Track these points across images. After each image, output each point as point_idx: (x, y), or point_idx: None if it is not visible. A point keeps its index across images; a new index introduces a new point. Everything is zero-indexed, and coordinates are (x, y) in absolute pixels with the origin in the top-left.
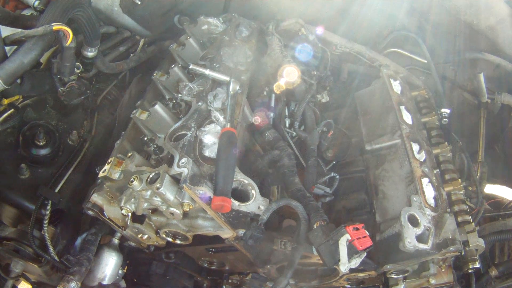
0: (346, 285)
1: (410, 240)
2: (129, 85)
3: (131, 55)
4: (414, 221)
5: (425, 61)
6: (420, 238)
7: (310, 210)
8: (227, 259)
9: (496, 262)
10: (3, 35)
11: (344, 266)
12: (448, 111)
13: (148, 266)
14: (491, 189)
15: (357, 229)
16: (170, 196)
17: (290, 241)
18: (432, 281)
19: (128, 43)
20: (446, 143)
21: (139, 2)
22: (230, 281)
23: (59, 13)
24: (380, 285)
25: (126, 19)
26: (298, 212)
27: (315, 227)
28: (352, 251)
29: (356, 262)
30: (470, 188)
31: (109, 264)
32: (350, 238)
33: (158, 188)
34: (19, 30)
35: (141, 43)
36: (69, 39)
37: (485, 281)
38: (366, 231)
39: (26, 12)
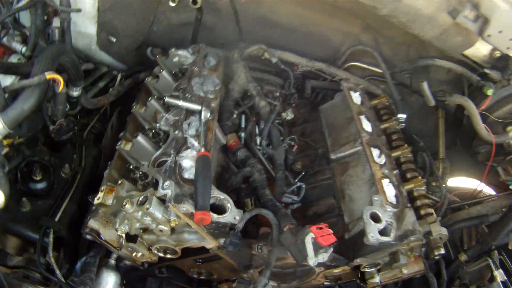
0: (325, 282)
1: (373, 234)
2: (111, 118)
3: (110, 89)
4: (376, 218)
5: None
6: (383, 232)
7: (280, 217)
8: (214, 268)
9: (465, 248)
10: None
11: (312, 260)
12: (404, 116)
13: (143, 283)
14: (455, 181)
15: (321, 228)
16: (159, 214)
17: (265, 245)
18: (405, 271)
19: (106, 78)
20: (405, 145)
21: (114, 40)
22: None
23: (49, 62)
24: (357, 279)
25: (103, 56)
26: (269, 219)
27: (285, 230)
28: (318, 247)
29: (323, 256)
30: (433, 183)
31: (109, 283)
32: (314, 236)
33: (148, 209)
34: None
35: (118, 78)
36: (61, 86)
37: (456, 266)
38: (330, 230)
39: (14, 57)
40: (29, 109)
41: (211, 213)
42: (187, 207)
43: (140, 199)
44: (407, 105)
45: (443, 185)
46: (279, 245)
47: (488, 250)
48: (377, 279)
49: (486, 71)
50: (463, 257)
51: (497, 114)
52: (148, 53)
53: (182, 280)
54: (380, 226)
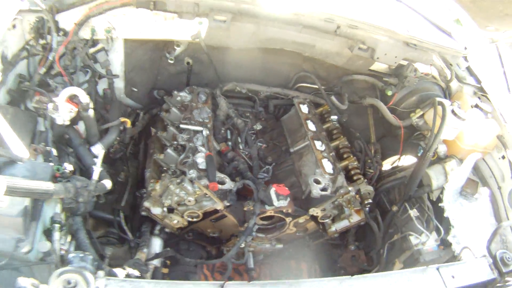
0: (297, 233)
1: (315, 191)
2: (139, 142)
3: (136, 123)
4: (317, 181)
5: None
6: (323, 189)
7: (257, 185)
8: (223, 225)
9: (396, 201)
10: None
11: (276, 202)
12: (335, 117)
13: (177, 245)
14: (388, 161)
15: (279, 186)
16: (189, 188)
17: (251, 203)
18: (352, 220)
19: (132, 115)
20: (342, 136)
21: (136, 90)
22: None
23: (117, 111)
24: (320, 229)
25: (128, 101)
26: (251, 186)
27: (260, 190)
28: (278, 196)
29: (283, 202)
30: (369, 161)
31: (156, 245)
32: (275, 189)
33: (183, 184)
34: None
35: (141, 115)
36: (128, 124)
37: (390, 215)
38: (286, 188)
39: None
40: (114, 139)
41: (218, 184)
42: (205, 181)
43: (178, 180)
44: (347, 108)
45: (375, 161)
46: (259, 201)
47: (408, 199)
48: (333, 228)
49: (385, 78)
50: (394, 208)
51: (403, 106)
52: (155, 94)
53: (202, 240)
54: (320, 186)
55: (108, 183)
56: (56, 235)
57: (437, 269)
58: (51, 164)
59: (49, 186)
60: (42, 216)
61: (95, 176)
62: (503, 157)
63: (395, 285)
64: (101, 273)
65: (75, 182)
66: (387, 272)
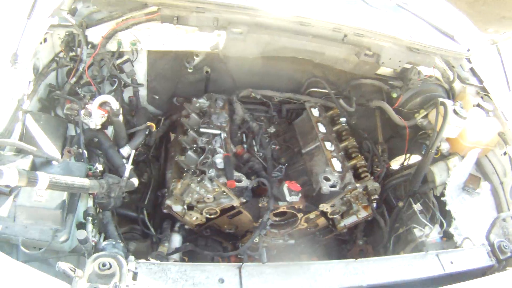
0: (308, 228)
1: (325, 187)
2: (160, 146)
3: (158, 128)
4: (327, 178)
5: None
6: (332, 186)
7: (271, 182)
8: (239, 221)
9: (403, 198)
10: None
11: (288, 197)
12: (344, 119)
13: (196, 241)
14: (396, 160)
15: (291, 182)
16: (209, 185)
17: (265, 199)
18: (360, 216)
19: (154, 121)
20: (351, 137)
21: (157, 97)
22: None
23: (143, 117)
24: (330, 225)
25: (150, 107)
26: (266, 183)
27: (274, 186)
28: (290, 191)
29: (295, 198)
30: (377, 160)
31: (177, 241)
32: (287, 185)
33: (203, 181)
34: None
35: (162, 120)
36: (154, 128)
37: (396, 211)
38: (297, 184)
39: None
40: (140, 142)
41: (235, 182)
42: (223, 179)
43: (198, 179)
44: (355, 111)
45: (383, 160)
46: (272, 197)
47: (412, 194)
48: (342, 224)
49: (390, 82)
50: (400, 204)
51: (408, 107)
52: (174, 101)
53: (219, 236)
54: (330, 183)
55: (135, 181)
56: (89, 226)
57: (437, 255)
58: (84, 163)
59: (86, 181)
60: (77, 210)
61: (127, 173)
62: (505, 153)
63: (397, 268)
64: (132, 257)
65: (107, 179)
66: (389, 256)
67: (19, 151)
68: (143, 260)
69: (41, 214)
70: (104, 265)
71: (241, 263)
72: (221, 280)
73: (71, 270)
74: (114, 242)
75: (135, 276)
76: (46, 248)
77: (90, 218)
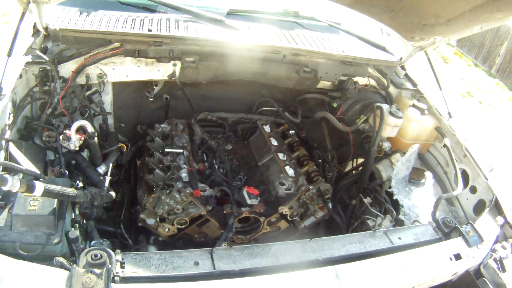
0: (271, 231)
1: (281, 191)
2: (129, 169)
3: (126, 152)
4: (282, 183)
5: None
6: (287, 189)
7: (233, 190)
8: (208, 229)
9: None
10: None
11: (248, 201)
12: (293, 132)
13: None
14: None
15: (250, 187)
16: (177, 196)
17: (229, 206)
18: (317, 216)
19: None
20: (301, 147)
21: (123, 125)
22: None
23: (114, 140)
24: (291, 227)
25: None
26: (227, 190)
27: (235, 193)
28: (250, 195)
29: (254, 200)
30: (327, 166)
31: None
32: (246, 190)
33: (172, 193)
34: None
35: (129, 146)
36: (125, 149)
37: (351, 208)
38: (255, 189)
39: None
40: (114, 160)
41: (200, 191)
42: (189, 189)
43: (168, 191)
44: (304, 124)
45: (333, 165)
46: (234, 203)
47: (362, 191)
48: (302, 225)
49: (330, 93)
50: (353, 202)
51: (349, 115)
52: (138, 129)
53: (191, 245)
54: (285, 186)
55: (113, 194)
56: (77, 233)
57: (385, 233)
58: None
59: (74, 191)
60: (66, 218)
61: (107, 183)
62: (444, 146)
63: (348, 245)
64: (118, 250)
65: (90, 190)
66: (340, 235)
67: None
68: (128, 252)
69: (35, 221)
70: (96, 255)
71: (212, 248)
72: (196, 263)
73: (67, 262)
74: (101, 241)
75: (122, 265)
76: (41, 250)
77: (77, 225)
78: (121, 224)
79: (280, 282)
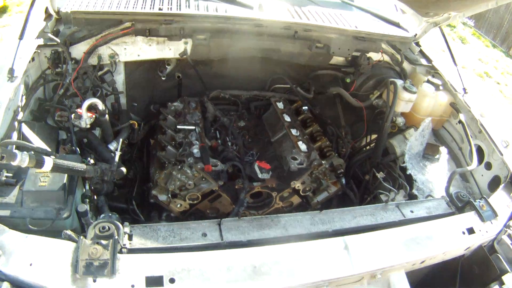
0: (283, 206)
1: (293, 165)
2: (142, 146)
3: (139, 131)
4: (294, 158)
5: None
6: (300, 164)
7: (244, 164)
8: (220, 204)
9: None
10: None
11: (260, 175)
12: (306, 108)
13: None
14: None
15: (261, 162)
16: (189, 171)
17: (241, 180)
18: (330, 191)
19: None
20: (315, 124)
21: (136, 104)
22: None
23: (126, 117)
24: (304, 202)
25: (131, 115)
26: (238, 165)
27: (246, 168)
28: (261, 169)
29: (266, 175)
30: (341, 142)
31: None
32: (258, 164)
33: (184, 168)
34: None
35: (142, 125)
36: (136, 126)
37: (365, 183)
38: (267, 163)
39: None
40: (125, 137)
41: (211, 166)
42: (201, 165)
43: (179, 167)
44: (317, 101)
45: (345, 139)
46: (246, 178)
47: (375, 166)
48: (315, 200)
49: (343, 69)
50: (367, 177)
51: (363, 90)
52: (152, 108)
53: None
54: (297, 161)
55: (124, 170)
56: (88, 207)
57: (397, 205)
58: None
59: (83, 166)
60: (76, 193)
61: (117, 158)
62: (460, 122)
63: (359, 218)
64: (126, 222)
65: (100, 165)
66: (352, 207)
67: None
68: (135, 224)
69: (45, 196)
70: (103, 227)
71: (220, 219)
72: (204, 234)
73: (75, 234)
74: (110, 214)
75: (130, 237)
76: (50, 224)
77: (87, 200)
78: (133, 201)
79: (288, 252)
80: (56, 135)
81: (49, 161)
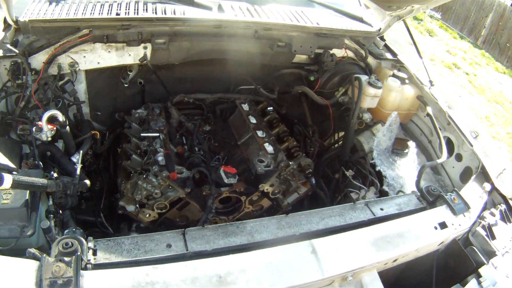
0: (253, 210)
1: (260, 168)
2: (107, 156)
3: (104, 141)
4: (261, 160)
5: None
6: (267, 166)
7: (210, 170)
8: (188, 212)
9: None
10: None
11: (226, 180)
12: (271, 108)
13: None
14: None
15: (227, 166)
16: (154, 180)
17: (208, 186)
18: (300, 192)
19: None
20: (281, 124)
21: (99, 113)
22: None
23: (87, 127)
24: (274, 205)
25: (95, 124)
26: (204, 171)
27: (212, 173)
28: (227, 174)
29: (233, 180)
30: (309, 141)
31: None
32: (223, 169)
33: (148, 177)
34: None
35: (107, 134)
36: (98, 136)
37: (335, 182)
38: (234, 168)
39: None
40: (88, 148)
41: (176, 174)
42: (166, 173)
43: (144, 175)
44: (283, 100)
45: (313, 138)
46: (213, 183)
47: (344, 164)
48: (286, 202)
49: (306, 67)
50: (336, 175)
51: (328, 87)
52: (116, 116)
53: None
54: (264, 164)
55: (87, 182)
56: (52, 223)
57: (366, 204)
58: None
59: (44, 181)
60: (39, 209)
61: (78, 171)
62: (428, 115)
63: (327, 219)
64: (90, 237)
65: (62, 179)
66: (319, 209)
67: None
68: (99, 239)
69: (8, 214)
70: (67, 244)
71: (184, 229)
72: (169, 245)
73: (38, 253)
74: (74, 229)
75: (94, 252)
76: (15, 243)
77: (51, 216)
78: (100, 213)
79: (254, 259)
80: (19, 149)
81: (8, 178)
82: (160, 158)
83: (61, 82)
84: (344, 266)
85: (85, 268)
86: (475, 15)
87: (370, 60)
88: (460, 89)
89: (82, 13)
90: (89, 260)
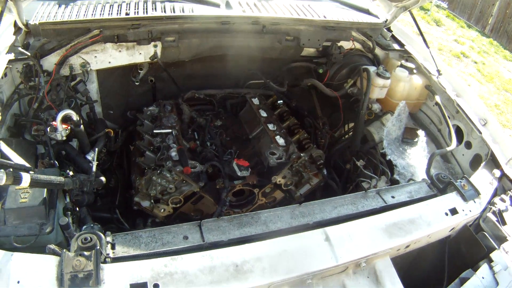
0: (266, 202)
1: (272, 161)
2: (121, 154)
3: (117, 139)
4: (272, 153)
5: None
6: (279, 158)
7: (223, 164)
8: (203, 206)
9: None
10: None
11: (239, 172)
12: (281, 101)
13: None
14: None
15: (240, 159)
16: (168, 175)
17: (221, 179)
18: (312, 183)
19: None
20: (292, 117)
21: (112, 112)
22: None
23: (101, 125)
24: (287, 196)
25: (108, 123)
26: (217, 164)
27: (225, 166)
28: (240, 167)
29: (245, 172)
30: (319, 133)
31: None
32: (236, 162)
33: (163, 172)
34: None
35: (120, 132)
36: (112, 134)
37: (346, 173)
38: (246, 161)
39: None
40: (102, 146)
41: (190, 168)
42: (179, 167)
43: (158, 171)
44: (293, 93)
45: (323, 130)
46: (226, 177)
47: (355, 154)
48: (298, 193)
49: (315, 60)
50: (348, 166)
51: (337, 79)
52: (128, 114)
53: None
54: (276, 156)
55: (103, 179)
56: (69, 219)
57: (377, 192)
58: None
59: (61, 179)
60: (57, 207)
61: (94, 168)
62: (436, 104)
63: (340, 207)
64: (108, 232)
65: (79, 176)
66: (331, 198)
67: None
68: (117, 233)
69: (27, 212)
70: (85, 239)
71: (200, 221)
72: (185, 237)
73: (58, 248)
74: (92, 224)
75: (113, 246)
76: (35, 240)
77: (69, 213)
78: (116, 209)
79: (269, 248)
80: (34, 149)
81: (26, 177)
82: (173, 153)
83: (73, 83)
84: (357, 253)
85: (105, 262)
86: (482, 3)
87: (378, 51)
88: (469, 78)
89: (92, 14)
90: (108, 254)
